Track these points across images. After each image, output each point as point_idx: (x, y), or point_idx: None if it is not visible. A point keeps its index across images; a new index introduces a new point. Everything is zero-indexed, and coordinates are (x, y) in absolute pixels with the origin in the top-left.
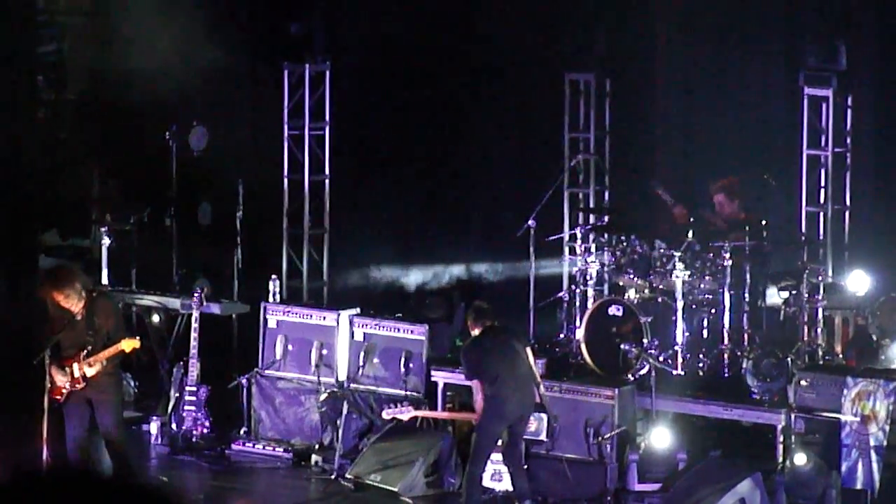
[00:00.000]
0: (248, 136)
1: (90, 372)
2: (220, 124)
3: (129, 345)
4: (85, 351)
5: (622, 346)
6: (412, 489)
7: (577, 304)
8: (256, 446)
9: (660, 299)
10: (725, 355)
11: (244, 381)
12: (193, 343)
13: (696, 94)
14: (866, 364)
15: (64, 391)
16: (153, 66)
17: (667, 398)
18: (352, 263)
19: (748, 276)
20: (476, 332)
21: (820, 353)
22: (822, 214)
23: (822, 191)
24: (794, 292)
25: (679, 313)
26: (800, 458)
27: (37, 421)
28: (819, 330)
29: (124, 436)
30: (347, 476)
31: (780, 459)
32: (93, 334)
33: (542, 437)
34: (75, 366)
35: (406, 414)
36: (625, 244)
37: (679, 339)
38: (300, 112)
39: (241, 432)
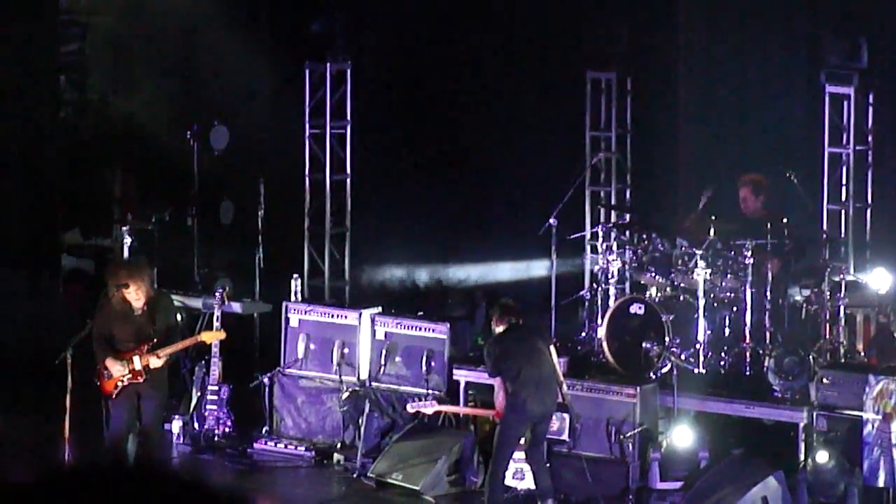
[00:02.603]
0: (269, 135)
1: (156, 363)
2: (242, 123)
3: (210, 336)
4: (147, 344)
5: (644, 345)
6: (434, 488)
7: (599, 302)
8: (278, 445)
9: (681, 297)
10: (747, 353)
11: (266, 380)
12: (215, 342)
13: (717, 92)
14: (888, 362)
15: (120, 384)
16: (174, 66)
17: (689, 396)
18: (374, 262)
19: (770, 273)
20: (500, 328)
21: (842, 351)
22: (843, 212)
23: (844, 188)
24: (815, 290)
25: (701, 311)
26: (822, 457)
27: (59, 420)
28: (841, 328)
29: (161, 433)
30: (369, 475)
31: (802, 457)
32: (156, 329)
33: (565, 436)
34: (136, 358)
35: (430, 408)
36: (646, 242)
37: (701, 337)
38: (321, 111)
39: (263, 431)
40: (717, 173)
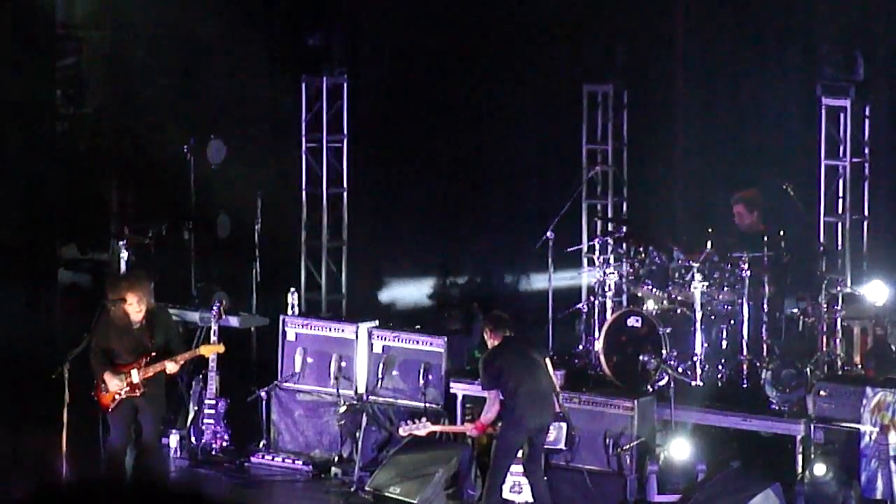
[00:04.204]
0: (266, 149)
1: (173, 368)
2: (238, 137)
3: (208, 350)
4: (146, 358)
5: (641, 358)
6: (432, 501)
7: (596, 315)
8: (276, 459)
9: (678, 310)
10: (744, 366)
11: (263, 393)
12: (212, 356)
13: (713, 104)
14: (885, 374)
15: (117, 397)
16: (171, 80)
17: (686, 409)
18: (371, 275)
19: (766, 286)
20: (495, 341)
21: (839, 363)
22: (840, 224)
23: (841, 201)
24: (812, 303)
25: (698, 324)
26: (819, 469)
27: (56, 434)
28: (838, 340)
29: (159, 447)
30: (367, 488)
31: (800, 470)
32: (154, 343)
33: (561, 445)
34: (134, 372)
35: (423, 430)
36: (643, 255)
37: (698, 349)
38: (318, 125)
39: (261, 445)
40: (713, 186)
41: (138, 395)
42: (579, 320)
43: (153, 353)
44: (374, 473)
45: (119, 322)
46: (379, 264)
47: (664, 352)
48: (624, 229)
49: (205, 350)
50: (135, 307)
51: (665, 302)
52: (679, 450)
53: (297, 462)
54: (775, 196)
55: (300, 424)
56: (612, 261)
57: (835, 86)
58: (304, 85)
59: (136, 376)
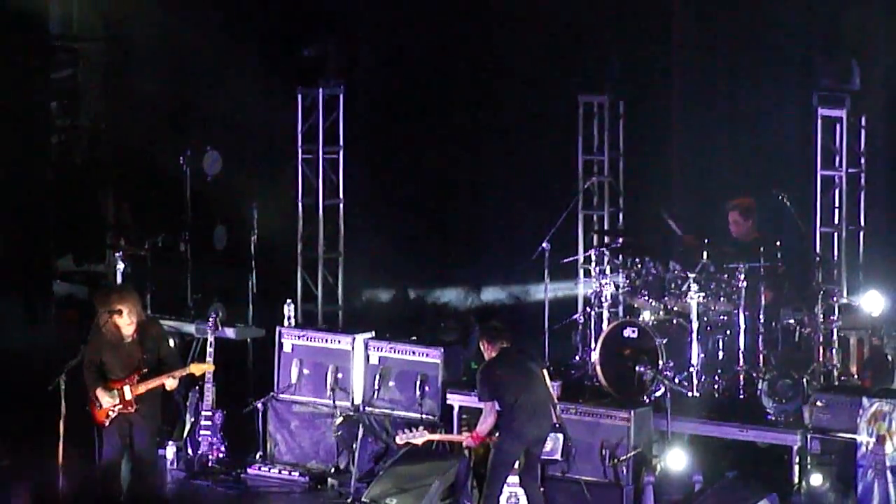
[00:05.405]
0: (262, 161)
1: (172, 384)
2: (234, 149)
3: (199, 369)
4: (139, 374)
5: (637, 368)
6: None
7: (592, 326)
8: (272, 470)
9: (675, 321)
10: (741, 376)
11: (260, 405)
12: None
13: (709, 115)
14: (882, 384)
15: (111, 413)
16: (167, 92)
17: (682, 420)
18: (367, 287)
19: (763, 297)
20: (492, 353)
21: (835, 373)
22: (836, 235)
23: (837, 211)
24: (809, 313)
25: (694, 335)
26: (816, 479)
27: (53, 446)
28: (834, 350)
29: (155, 461)
30: (363, 500)
31: (796, 480)
32: (148, 357)
33: (558, 456)
34: (126, 389)
35: (419, 438)
36: (639, 266)
37: (694, 360)
38: (314, 136)
39: (257, 456)
40: (709, 196)
41: (132, 411)
42: (575, 331)
43: (145, 370)
44: (370, 485)
45: (111, 336)
46: (375, 275)
47: (660, 362)
48: (620, 240)
49: (195, 369)
50: (125, 320)
51: (661, 312)
52: (676, 460)
53: (293, 473)
54: (771, 206)
55: (297, 436)
56: (608, 271)
57: (831, 96)
58: (300, 96)
59: (128, 393)
